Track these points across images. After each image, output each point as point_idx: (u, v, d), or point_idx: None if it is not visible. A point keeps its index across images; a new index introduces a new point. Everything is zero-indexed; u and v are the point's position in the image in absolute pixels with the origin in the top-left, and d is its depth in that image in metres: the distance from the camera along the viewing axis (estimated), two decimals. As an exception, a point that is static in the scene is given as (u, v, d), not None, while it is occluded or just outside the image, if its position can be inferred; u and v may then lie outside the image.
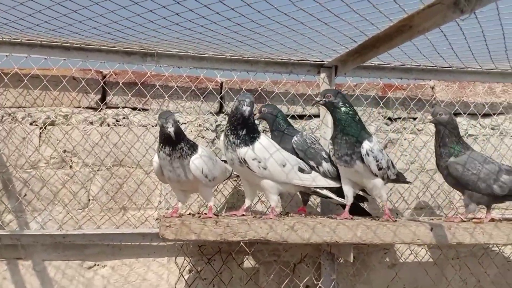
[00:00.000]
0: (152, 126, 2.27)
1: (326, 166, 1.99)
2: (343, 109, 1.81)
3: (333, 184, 1.97)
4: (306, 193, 2.05)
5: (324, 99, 1.82)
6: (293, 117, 2.38)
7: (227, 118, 1.96)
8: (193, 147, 1.81)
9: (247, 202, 1.94)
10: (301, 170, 1.91)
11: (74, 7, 1.51)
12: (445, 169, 1.94)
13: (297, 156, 1.98)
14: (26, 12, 1.60)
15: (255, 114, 1.99)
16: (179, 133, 1.77)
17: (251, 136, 1.79)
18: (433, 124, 1.97)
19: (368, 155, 1.80)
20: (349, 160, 1.82)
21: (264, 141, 1.83)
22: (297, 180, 1.89)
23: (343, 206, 1.96)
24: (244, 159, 1.78)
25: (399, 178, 2.04)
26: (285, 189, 1.94)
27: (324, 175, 1.98)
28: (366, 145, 1.81)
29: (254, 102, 1.80)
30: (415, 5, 1.37)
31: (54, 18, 1.63)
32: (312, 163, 1.99)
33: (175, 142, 1.76)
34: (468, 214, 1.96)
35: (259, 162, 1.79)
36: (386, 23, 1.57)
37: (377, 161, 1.82)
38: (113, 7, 1.48)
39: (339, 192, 1.97)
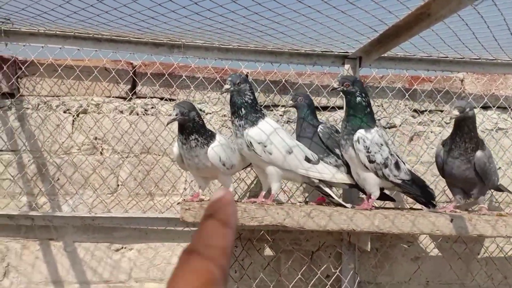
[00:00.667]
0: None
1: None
2: (358, 98, 1.82)
3: (342, 179, 1.94)
4: (310, 185, 1.99)
5: (342, 87, 1.83)
6: (317, 108, 2.39)
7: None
8: (210, 137, 1.85)
9: (265, 188, 1.97)
10: (307, 160, 1.90)
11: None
12: (467, 163, 1.92)
13: (323, 144, 1.99)
14: (56, 2, 1.69)
15: (289, 104, 2.01)
16: (188, 125, 1.80)
17: (254, 116, 1.82)
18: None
19: (359, 143, 1.79)
20: (343, 145, 1.83)
21: (270, 122, 1.85)
22: (301, 169, 1.88)
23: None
24: (251, 142, 1.80)
25: (408, 187, 1.89)
26: (289, 177, 1.95)
27: (343, 164, 1.99)
28: (359, 133, 1.80)
29: (238, 79, 1.78)
30: (430, -8, 1.36)
31: (82, 8, 1.71)
32: (337, 151, 1.99)
33: (187, 132, 1.81)
34: (481, 205, 2.01)
35: (265, 146, 1.80)
36: (404, 11, 1.56)
37: (368, 152, 1.79)
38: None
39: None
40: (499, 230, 1.81)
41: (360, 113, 1.82)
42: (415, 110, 2.44)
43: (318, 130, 2.00)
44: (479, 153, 1.91)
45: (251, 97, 1.82)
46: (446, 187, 2.19)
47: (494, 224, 1.81)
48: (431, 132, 2.43)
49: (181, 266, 0.33)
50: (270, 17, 1.66)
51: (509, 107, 2.42)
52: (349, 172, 1.97)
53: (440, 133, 2.42)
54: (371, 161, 1.81)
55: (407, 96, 2.40)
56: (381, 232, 1.82)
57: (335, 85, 1.84)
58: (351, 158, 1.86)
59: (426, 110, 2.44)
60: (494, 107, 2.41)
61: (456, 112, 1.82)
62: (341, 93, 1.87)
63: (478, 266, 2.38)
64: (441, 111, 2.45)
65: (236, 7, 1.55)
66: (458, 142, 1.92)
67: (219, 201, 0.37)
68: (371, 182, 1.86)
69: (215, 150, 1.83)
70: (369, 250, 1.92)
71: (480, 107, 2.43)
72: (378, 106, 2.41)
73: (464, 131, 1.90)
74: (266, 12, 1.59)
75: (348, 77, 1.88)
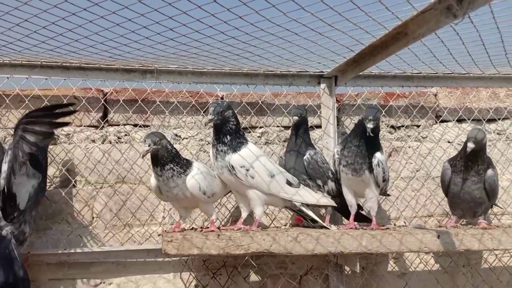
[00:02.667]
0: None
1: (331, 185, 1.99)
2: (378, 129, 1.85)
3: (326, 202, 1.94)
4: (292, 209, 1.96)
5: (376, 121, 1.78)
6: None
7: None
8: (187, 165, 1.79)
9: (244, 214, 1.91)
10: (289, 183, 1.87)
11: (69, 26, 1.52)
12: (478, 182, 1.99)
13: (306, 173, 1.97)
14: (23, 33, 1.62)
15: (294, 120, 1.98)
16: (162, 155, 1.74)
17: (238, 141, 1.78)
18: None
19: (379, 166, 1.84)
20: (358, 169, 1.83)
21: (253, 148, 1.82)
22: (283, 193, 1.85)
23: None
24: (232, 166, 1.76)
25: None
26: (271, 202, 1.91)
27: (328, 193, 1.98)
28: (378, 156, 1.84)
29: (221, 108, 1.73)
30: (409, 11, 1.36)
31: (50, 38, 1.64)
32: (319, 181, 1.98)
33: (161, 163, 1.75)
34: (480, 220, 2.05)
35: (247, 170, 1.76)
36: (381, 31, 1.56)
37: (384, 173, 1.87)
38: (107, 25, 1.49)
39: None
40: (486, 244, 1.82)
41: (376, 139, 1.86)
42: (392, 126, 2.45)
43: (304, 158, 1.97)
44: (490, 172, 2.02)
45: (235, 123, 1.79)
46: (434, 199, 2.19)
47: (480, 238, 1.82)
48: (409, 147, 2.44)
49: None
50: (247, 41, 1.64)
51: (483, 119, 2.46)
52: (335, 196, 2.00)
53: (417, 147, 2.44)
54: (384, 180, 1.90)
55: (383, 113, 2.40)
56: (369, 252, 1.79)
57: (370, 126, 1.76)
58: (362, 181, 1.86)
59: (402, 126, 2.45)
60: (469, 120, 2.44)
61: (472, 146, 1.90)
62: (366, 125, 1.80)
63: (464, 278, 2.38)
64: (417, 126, 2.47)
65: (213, 32, 1.51)
66: (470, 165, 1.99)
67: None
68: (376, 197, 1.92)
69: (195, 178, 1.77)
70: (358, 271, 1.89)
71: (455, 121, 2.45)
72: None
73: (478, 156, 1.97)
74: (243, 36, 1.56)
75: (375, 111, 1.81)
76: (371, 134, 1.76)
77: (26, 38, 1.66)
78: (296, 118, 1.96)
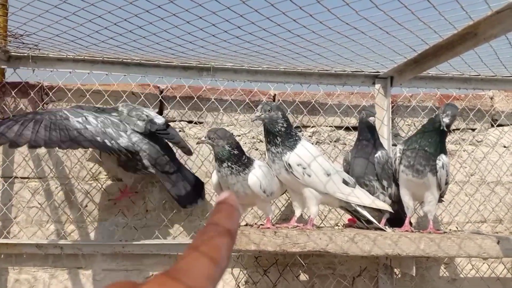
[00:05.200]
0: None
1: (394, 188, 1.97)
2: (449, 127, 1.82)
3: (383, 206, 1.91)
4: (347, 209, 1.94)
5: (453, 118, 1.77)
6: (347, 128, 2.36)
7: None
8: (247, 164, 1.81)
9: (297, 213, 1.92)
10: (345, 182, 1.87)
11: (140, 23, 1.56)
12: None
13: (374, 170, 1.95)
14: (93, 28, 1.67)
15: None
16: (218, 152, 1.78)
17: (290, 140, 1.79)
18: None
19: (443, 168, 1.81)
20: (421, 171, 1.80)
21: (308, 146, 1.82)
22: (339, 193, 1.84)
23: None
24: (289, 164, 1.77)
25: None
26: (326, 201, 1.90)
27: (389, 196, 1.96)
28: (443, 158, 1.81)
29: (269, 107, 1.77)
30: (483, 11, 1.34)
31: (119, 34, 1.69)
32: (385, 182, 1.96)
33: (219, 159, 1.78)
34: None
35: (304, 168, 1.77)
36: (449, 31, 1.54)
37: (447, 175, 1.84)
38: (177, 22, 1.53)
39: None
40: (548, 251, 1.77)
41: (443, 137, 1.83)
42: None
43: (376, 155, 1.96)
44: None
45: (285, 125, 1.80)
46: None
47: (543, 245, 1.77)
48: (464, 151, 2.40)
49: (196, 239, 0.38)
50: (312, 39, 1.64)
51: (541, 124, 2.40)
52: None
53: (472, 151, 2.39)
54: (446, 183, 1.88)
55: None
56: (427, 256, 1.77)
57: (446, 120, 1.76)
58: (423, 183, 1.83)
59: (457, 129, 2.41)
60: (526, 124, 2.39)
61: None
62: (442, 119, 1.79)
63: (517, 287, 2.33)
64: (473, 129, 2.42)
65: (280, 30, 1.53)
66: None
67: (225, 200, 0.42)
68: (436, 200, 1.89)
69: (257, 176, 1.79)
70: (414, 274, 1.87)
71: (511, 125, 2.40)
72: (409, 125, 2.38)
73: None
74: (309, 34, 1.57)
75: (456, 109, 1.80)
76: (445, 128, 1.74)
77: (96, 34, 1.71)
78: (373, 119, 1.94)
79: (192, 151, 2.26)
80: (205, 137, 1.80)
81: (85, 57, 2.16)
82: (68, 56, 2.16)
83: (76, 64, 2.20)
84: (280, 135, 1.78)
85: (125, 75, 2.22)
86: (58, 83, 2.22)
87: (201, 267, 0.36)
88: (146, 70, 2.21)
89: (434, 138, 1.80)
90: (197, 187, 2.16)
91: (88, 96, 2.22)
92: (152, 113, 2.13)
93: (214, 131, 1.80)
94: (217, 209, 0.41)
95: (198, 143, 1.95)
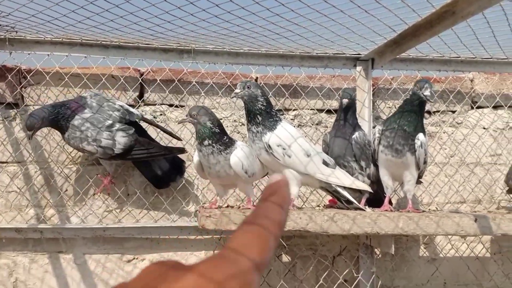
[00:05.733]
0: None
1: (372, 169, 1.99)
2: (427, 104, 1.82)
3: (363, 187, 1.92)
4: (327, 189, 1.94)
5: (433, 90, 1.79)
6: (329, 111, 2.37)
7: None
8: (228, 144, 1.81)
9: None
10: (325, 163, 1.87)
11: (117, 1, 1.54)
12: None
13: (352, 151, 1.96)
14: (70, 8, 1.64)
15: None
16: (199, 129, 1.78)
17: (271, 120, 1.79)
18: None
19: (421, 147, 1.82)
20: (400, 151, 1.82)
21: (288, 127, 1.83)
22: (319, 174, 1.84)
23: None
24: (269, 145, 1.77)
25: None
26: (306, 182, 1.91)
27: (368, 177, 1.98)
28: (421, 137, 1.82)
29: (248, 84, 1.77)
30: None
31: (96, 13, 1.66)
32: (363, 163, 1.97)
33: (200, 138, 1.78)
34: None
35: (284, 149, 1.77)
36: (427, 10, 1.55)
37: (425, 154, 1.85)
38: (154, 0, 1.50)
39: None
40: (524, 229, 1.80)
41: (420, 116, 1.85)
42: (427, 111, 2.42)
43: (353, 136, 1.97)
44: None
45: (264, 103, 1.79)
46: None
47: (518, 223, 1.80)
48: (444, 132, 2.42)
49: (240, 229, 0.35)
50: (291, 18, 1.64)
51: (521, 106, 2.43)
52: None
53: (452, 133, 2.42)
54: (425, 162, 1.89)
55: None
56: (406, 234, 1.79)
57: (428, 93, 1.76)
58: (402, 163, 1.85)
59: (437, 111, 2.43)
60: (505, 106, 2.41)
61: None
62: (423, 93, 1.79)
63: (495, 266, 2.37)
64: (453, 111, 2.45)
65: (258, 8, 1.52)
66: None
67: (275, 184, 0.39)
68: (413, 182, 1.90)
69: (238, 156, 1.78)
70: (393, 253, 1.89)
71: (491, 107, 2.43)
72: (390, 107, 2.40)
73: None
74: (288, 13, 1.56)
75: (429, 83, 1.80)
76: (430, 100, 1.76)
77: (72, 13, 1.68)
78: (346, 101, 1.95)
79: (174, 133, 2.25)
80: (186, 115, 1.80)
81: (63, 39, 2.13)
82: (45, 39, 2.12)
83: (54, 47, 2.16)
84: (260, 114, 1.78)
85: (104, 57, 2.18)
86: (36, 66, 2.18)
87: (254, 248, 0.34)
88: (125, 52, 2.18)
89: (412, 117, 1.81)
90: (176, 164, 2.18)
91: (66, 79, 2.19)
92: (125, 104, 2.13)
93: (195, 109, 1.80)
94: (270, 190, 0.39)
95: (179, 122, 1.96)
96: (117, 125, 2.00)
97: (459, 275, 2.36)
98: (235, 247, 0.34)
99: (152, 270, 0.34)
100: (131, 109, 2.10)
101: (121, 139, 1.99)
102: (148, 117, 2.28)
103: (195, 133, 1.84)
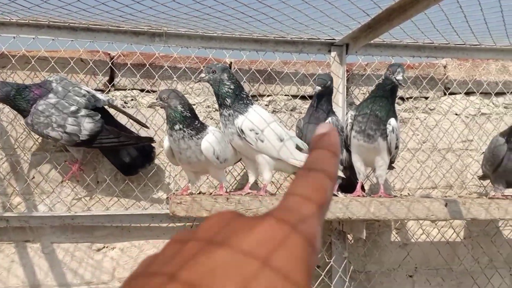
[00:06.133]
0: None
1: (345, 154, 1.98)
2: (398, 87, 1.82)
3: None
4: None
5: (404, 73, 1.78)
6: (304, 97, 2.35)
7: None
8: (199, 129, 1.78)
9: (251, 180, 1.90)
10: (298, 148, 1.86)
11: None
12: None
13: None
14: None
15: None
16: (170, 113, 1.74)
17: (241, 103, 1.76)
18: None
19: (393, 132, 1.82)
20: (372, 136, 1.81)
21: (260, 110, 1.80)
22: (292, 159, 1.82)
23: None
24: (242, 130, 1.74)
25: None
26: (279, 167, 1.89)
27: (341, 163, 1.97)
28: (393, 122, 1.82)
29: (214, 68, 1.75)
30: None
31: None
32: None
33: (171, 122, 1.74)
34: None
35: (257, 133, 1.75)
36: (401, -7, 1.54)
37: (397, 139, 1.85)
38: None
39: None
40: (492, 213, 1.83)
41: (393, 101, 1.84)
42: (400, 97, 2.43)
43: (327, 121, 1.95)
44: None
45: (232, 86, 1.76)
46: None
47: (487, 207, 1.83)
48: (417, 118, 2.44)
49: (299, 177, 0.35)
50: (263, 0, 1.60)
51: (492, 93, 2.45)
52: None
53: (425, 119, 2.43)
54: (396, 147, 1.89)
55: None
56: (377, 219, 1.80)
57: (400, 77, 1.76)
58: (374, 148, 1.84)
59: (411, 97, 2.44)
60: (477, 92, 2.44)
61: None
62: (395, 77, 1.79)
63: (465, 250, 2.41)
64: (426, 97, 2.46)
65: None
66: None
67: (325, 134, 0.38)
68: (385, 168, 1.91)
69: (210, 142, 1.75)
70: (364, 238, 1.90)
71: (464, 93, 2.45)
72: (364, 94, 2.39)
73: None
74: (260, -6, 1.52)
75: (397, 64, 1.80)
76: (402, 84, 1.75)
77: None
78: (319, 88, 1.93)
79: (145, 120, 2.20)
80: (156, 99, 1.76)
81: (30, 21, 2.04)
82: (11, 20, 2.04)
83: (21, 29, 2.07)
84: (229, 97, 1.75)
85: (72, 40, 2.11)
86: (1, 49, 2.10)
87: (316, 193, 0.33)
88: (94, 35, 2.11)
89: (384, 102, 1.81)
90: (145, 151, 2.13)
91: (33, 62, 2.12)
92: (91, 90, 2.06)
93: (166, 92, 1.76)
94: (319, 137, 0.38)
95: (149, 106, 1.90)
96: (83, 111, 1.93)
97: (430, 260, 2.39)
98: (298, 193, 0.33)
99: (216, 221, 0.32)
100: (98, 94, 2.03)
101: (87, 125, 1.92)
102: (119, 102, 2.23)
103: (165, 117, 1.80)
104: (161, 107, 1.78)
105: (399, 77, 1.74)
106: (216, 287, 0.26)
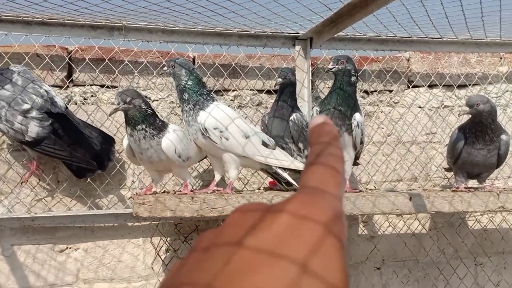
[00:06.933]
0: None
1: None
2: (352, 78, 1.81)
3: (302, 167, 1.90)
4: (267, 171, 1.91)
5: (337, 66, 1.79)
6: (268, 92, 2.33)
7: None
8: (161, 128, 1.73)
9: (217, 177, 1.87)
10: (264, 144, 1.83)
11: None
12: (494, 149, 1.94)
13: (290, 133, 1.93)
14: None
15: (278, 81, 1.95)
16: (134, 114, 1.68)
17: (201, 99, 1.73)
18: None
19: (358, 127, 1.81)
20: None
21: (222, 107, 1.78)
22: (258, 156, 1.80)
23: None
24: (206, 128, 1.71)
25: None
26: (246, 164, 1.87)
27: (306, 157, 1.95)
28: (358, 117, 1.82)
29: (173, 63, 1.74)
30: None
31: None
32: (301, 145, 1.95)
33: (132, 123, 1.69)
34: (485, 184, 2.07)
35: (221, 132, 1.72)
36: (362, -13, 1.52)
37: (362, 134, 1.85)
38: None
39: None
40: (456, 206, 1.85)
41: (353, 95, 1.84)
42: (365, 91, 2.44)
43: (291, 117, 1.93)
44: (504, 137, 1.96)
45: (189, 82, 1.73)
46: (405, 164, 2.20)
47: (451, 200, 1.85)
48: (381, 112, 2.45)
49: (309, 170, 0.34)
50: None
51: (454, 85, 2.48)
52: None
53: (389, 112, 2.44)
54: (361, 142, 1.89)
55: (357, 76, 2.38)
56: (343, 215, 1.79)
57: (330, 66, 1.83)
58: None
59: (375, 91, 2.45)
60: (440, 85, 2.46)
61: (465, 108, 1.87)
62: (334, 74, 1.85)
63: (430, 241, 2.44)
64: (390, 91, 2.47)
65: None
66: (480, 135, 1.92)
67: (322, 124, 0.38)
68: (350, 162, 1.91)
69: (171, 140, 1.71)
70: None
71: (427, 86, 2.47)
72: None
73: (485, 125, 1.90)
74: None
75: (342, 56, 1.88)
76: (330, 70, 1.82)
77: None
78: (280, 80, 1.91)
79: (107, 117, 2.13)
80: (118, 103, 1.67)
81: (-20, 15, 1.95)
82: (-41, 14, 1.94)
83: (-29, 23, 1.98)
84: (186, 91, 1.72)
85: (27, 35, 2.02)
86: (-51, 44, 2.00)
87: (331, 183, 0.33)
88: (50, 29, 2.03)
89: (345, 96, 1.80)
90: (104, 152, 2.04)
91: (-17, 59, 2.02)
92: (52, 90, 1.97)
93: (126, 93, 1.69)
94: (316, 132, 0.38)
95: (111, 113, 1.79)
96: (34, 112, 1.85)
97: (397, 252, 2.42)
98: (314, 184, 0.33)
99: (239, 220, 0.31)
100: (56, 98, 1.94)
101: (34, 128, 1.84)
102: (78, 98, 2.15)
103: (125, 119, 1.74)
104: (124, 111, 1.69)
105: (330, 65, 1.82)
106: None
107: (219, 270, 0.27)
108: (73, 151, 1.97)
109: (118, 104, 1.66)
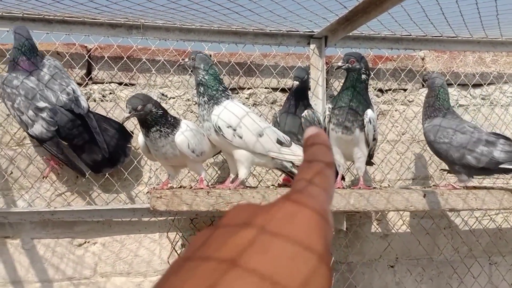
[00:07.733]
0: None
1: None
2: (363, 76, 1.83)
3: None
4: (282, 170, 1.92)
5: (347, 64, 1.81)
6: (283, 90, 2.35)
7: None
8: (174, 125, 1.76)
9: (232, 174, 1.89)
10: (279, 142, 1.83)
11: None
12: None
13: (302, 130, 1.94)
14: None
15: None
16: (147, 119, 1.71)
17: (216, 95, 1.74)
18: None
19: (370, 123, 1.83)
20: (349, 127, 1.82)
21: (236, 104, 1.79)
22: (274, 153, 1.80)
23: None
24: (219, 127, 1.73)
25: None
26: (260, 162, 1.86)
27: None
28: (370, 113, 1.83)
29: (194, 56, 1.75)
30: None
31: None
32: None
33: (146, 126, 1.72)
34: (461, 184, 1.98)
35: (234, 130, 1.73)
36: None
37: (374, 130, 1.86)
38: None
39: None
40: (470, 203, 1.85)
41: (363, 92, 1.85)
42: (379, 90, 2.45)
43: (303, 114, 1.96)
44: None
45: (206, 77, 1.74)
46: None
47: (465, 198, 1.85)
48: (396, 110, 2.45)
49: (304, 168, 0.38)
50: (240, -8, 1.59)
51: (469, 84, 2.48)
52: None
53: (404, 111, 2.45)
54: (374, 139, 1.90)
55: (372, 75, 2.40)
56: (357, 211, 1.81)
57: (340, 63, 1.84)
58: (352, 140, 1.85)
59: (389, 89, 2.46)
60: (455, 84, 2.46)
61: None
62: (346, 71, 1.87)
63: (445, 240, 2.44)
64: (404, 89, 2.48)
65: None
66: None
67: (315, 134, 0.41)
68: (364, 159, 1.92)
69: (185, 135, 1.74)
70: (345, 229, 1.91)
71: (442, 85, 2.47)
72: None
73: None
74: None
75: (353, 53, 1.88)
76: (339, 67, 1.84)
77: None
78: (296, 83, 1.94)
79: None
80: (130, 111, 1.69)
81: (3, 14, 2.01)
82: (-17, 13, 1.99)
83: (-6, 22, 2.03)
84: (202, 84, 1.74)
85: (48, 33, 2.08)
86: (-26, 42, 2.06)
87: (323, 182, 0.36)
88: (70, 28, 2.08)
89: (355, 93, 1.81)
90: (120, 148, 2.08)
91: (8, 56, 2.08)
92: (78, 90, 1.99)
93: (136, 100, 1.70)
94: (310, 139, 0.41)
95: (123, 121, 1.79)
96: (45, 114, 1.87)
97: (411, 250, 2.42)
98: (304, 178, 0.36)
99: (236, 211, 0.34)
100: (81, 98, 1.96)
101: (39, 127, 1.87)
102: (97, 96, 2.20)
103: (139, 122, 1.78)
104: (138, 117, 1.73)
105: (339, 63, 1.84)
106: (248, 261, 0.29)
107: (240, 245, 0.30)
108: (77, 155, 2.01)
109: (130, 112, 1.68)
